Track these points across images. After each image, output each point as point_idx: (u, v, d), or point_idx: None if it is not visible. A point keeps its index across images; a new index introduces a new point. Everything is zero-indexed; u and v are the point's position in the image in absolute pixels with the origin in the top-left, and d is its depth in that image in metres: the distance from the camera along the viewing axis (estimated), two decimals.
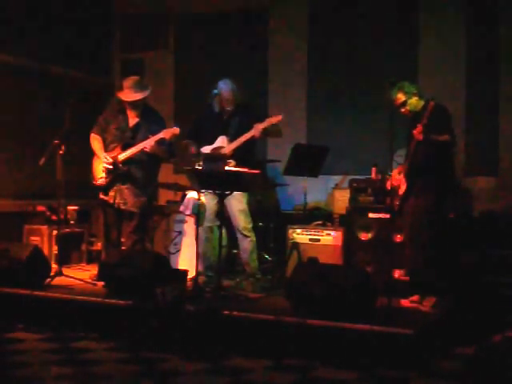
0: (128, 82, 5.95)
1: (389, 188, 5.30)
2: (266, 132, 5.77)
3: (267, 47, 7.81)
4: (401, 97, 5.16)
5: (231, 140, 5.77)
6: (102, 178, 5.95)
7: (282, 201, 7.25)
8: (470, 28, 6.84)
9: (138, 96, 5.90)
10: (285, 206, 7.25)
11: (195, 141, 5.98)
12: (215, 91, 5.89)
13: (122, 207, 5.94)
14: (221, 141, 5.82)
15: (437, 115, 4.94)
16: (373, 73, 7.14)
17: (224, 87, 5.86)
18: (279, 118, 5.69)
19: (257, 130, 5.66)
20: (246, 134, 5.69)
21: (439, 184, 5.10)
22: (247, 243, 5.85)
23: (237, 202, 5.78)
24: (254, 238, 5.89)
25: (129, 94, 5.92)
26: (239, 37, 7.90)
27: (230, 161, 5.70)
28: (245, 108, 5.93)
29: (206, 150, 5.87)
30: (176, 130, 5.84)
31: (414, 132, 4.93)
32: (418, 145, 5.00)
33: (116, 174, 5.91)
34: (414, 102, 5.17)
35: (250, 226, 5.89)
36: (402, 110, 5.20)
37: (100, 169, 5.96)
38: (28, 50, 7.41)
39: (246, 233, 5.83)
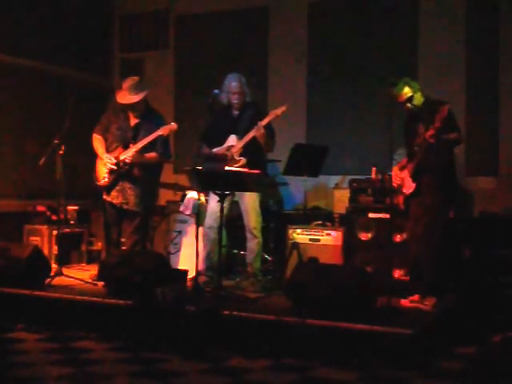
0: (126, 83, 5.93)
1: (395, 186, 5.28)
2: (265, 138, 5.72)
3: (267, 47, 7.81)
4: (408, 91, 5.14)
5: (240, 138, 5.76)
6: (104, 178, 5.94)
7: (283, 201, 7.25)
8: (469, 28, 6.84)
9: (133, 99, 5.88)
10: (285, 205, 7.25)
11: (208, 143, 5.97)
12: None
13: (125, 207, 5.94)
14: (231, 140, 5.82)
15: (448, 118, 4.93)
16: (373, 73, 7.14)
17: (232, 79, 5.85)
18: (283, 108, 5.65)
19: (258, 128, 5.64)
20: (249, 134, 5.69)
21: (444, 184, 5.10)
22: (255, 244, 5.85)
23: (251, 201, 5.79)
24: (261, 240, 5.89)
25: (124, 97, 5.91)
26: (239, 36, 7.90)
27: (241, 158, 5.69)
28: (255, 106, 5.92)
29: (219, 151, 5.86)
30: (173, 125, 5.84)
31: (426, 136, 4.91)
32: (428, 145, 4.99)
33: (118, 173, 5.90)
34: (419, 98, 5.17)
35: (260, 226, 5.89)
36: (408, 105, 5.17)
37: (103, 169, 5.95)
38: (28, 50, 7.41)
39: (255, 233, 5.83)
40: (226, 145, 5.83)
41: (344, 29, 7.40)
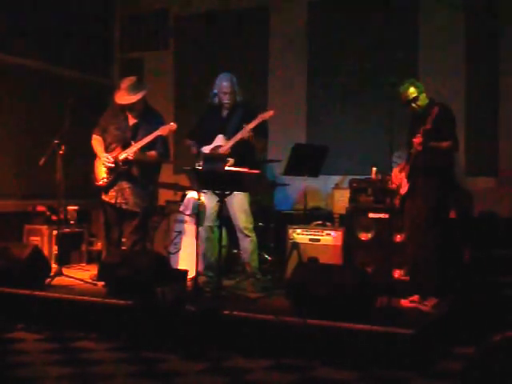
0: (124, 83, 5.93)
1: (392, 187, 5.30)
2: (255, 134, 5.71)
3: (267, 47, 7.82)
4: (413, 91, 5.14)
5: (228, 139, 5.76)
6: (103, 178, 5.95)
7: (282, 201, 7.25)
8: (469, 27, 6.84)
9: (131, 99, 5.88)
10: (285, 206, 7.25)
11: (196, 141, 5.98)
12: (215, 91, 5.89)
13: (124, 207, 5.94)
14: (219, 140, 5.81)
15: (441, 120, 4.93)
16: (373, 73, 7.14)
17: (223, 78, 5.84)
18: (270, 113, 5.65)
19: (245, 131, 5.63)
20: (236, 136, 5.68)
21: (440, 184, 5.11)
22: (248, 243, 5.84)
23: (238, 202, 5.76)
24: (255, 238, 5.87)
25: (123, 97, 5.91)
26: (239, 36, 7.90)
27: (229, 159, 5.68)
28: (245, 106, 5.90)
29: (206, 149, 5.86)
30: (173, 125, 5.84)
31: (414, 142, 4.94)
32: (417, 151, 5.01)
33: (117, 173, 5.91)
34: (423, 99, 5.17)
35: (251, 225, 5.88)
36: (413, 105, 5.17)
37: (102, 169, 5.96)
38: (28, 50, 7.41)
39: (246, 232, 5.82)
40: (213, 144, 5.82)
41: (344, 29, 7.39)
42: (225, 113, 5.93)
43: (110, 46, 8.65)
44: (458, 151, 5.35)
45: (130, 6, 8.57)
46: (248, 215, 5.85)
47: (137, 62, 8.43)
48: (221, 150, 5.72)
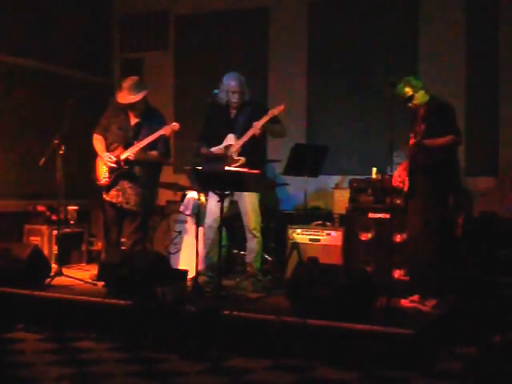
0: (126, 83, 5.93)
1: (395, 185, 5.29)
2: (267, 129, 5.74)
3: (267, 47, 7.82)
4: (408, 91, 5.16)
5: (239, 138, 5.75)
6: (105, 177, 5.94)
7: (282, 201, 7.25)
8: (470, 27, 6.84)
9: (133, 99, 5.88)
10: (285, 205, 7.25)
11: (206, 142, 5.96)
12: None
13: (125, 206, 5.93)
14: (229, 139, 5.80)
15: (433, 117, 4.94)
16: (373, 72, 7.14)
17: (231, 78, 5.83)
18: (281, 108, 5.65)
19: (255, 128, 5.64)
20: (247, 133, 5.68)
21: (439, 183, 5.10)
22: (255, 244, 5.84)
23: (250, 202, 5.77)
24: (261, 239, 5.89)
25: (124, 96, 5.91)
26: (239, 36, 7.90)
27: (240, 158, 5.68)
28: (252, 105, 5.90)
29: (216, 149, 5.85)
30: (175, 125, 5.83)
31: (410, 144, 4.96)
32: (414, 151, 5.02)
33: (118, 173, 5.91)
34: (421, 96, 5.18)
35: (260, 226, 5.88)
36: (410, 104, 5.19)
37: (103, 169, 5.96)
38: (28, 50, 7.41)
39: (255, 233, 5.82)
40: (223, 144, 5.82)
41: (344, 29, 7.40)
42: (232, 112, 5.92)
43: (110, 45, 8.64)
44: (461, 144, 5.33)
45: (130, 6, 8.57)
46: (258, 216, 5.86)
47: (137, 61, 8.43)
48: (232, 149, 5.72)
